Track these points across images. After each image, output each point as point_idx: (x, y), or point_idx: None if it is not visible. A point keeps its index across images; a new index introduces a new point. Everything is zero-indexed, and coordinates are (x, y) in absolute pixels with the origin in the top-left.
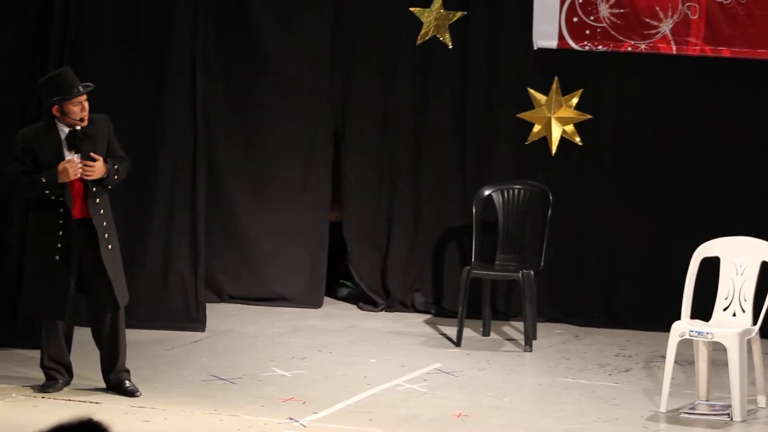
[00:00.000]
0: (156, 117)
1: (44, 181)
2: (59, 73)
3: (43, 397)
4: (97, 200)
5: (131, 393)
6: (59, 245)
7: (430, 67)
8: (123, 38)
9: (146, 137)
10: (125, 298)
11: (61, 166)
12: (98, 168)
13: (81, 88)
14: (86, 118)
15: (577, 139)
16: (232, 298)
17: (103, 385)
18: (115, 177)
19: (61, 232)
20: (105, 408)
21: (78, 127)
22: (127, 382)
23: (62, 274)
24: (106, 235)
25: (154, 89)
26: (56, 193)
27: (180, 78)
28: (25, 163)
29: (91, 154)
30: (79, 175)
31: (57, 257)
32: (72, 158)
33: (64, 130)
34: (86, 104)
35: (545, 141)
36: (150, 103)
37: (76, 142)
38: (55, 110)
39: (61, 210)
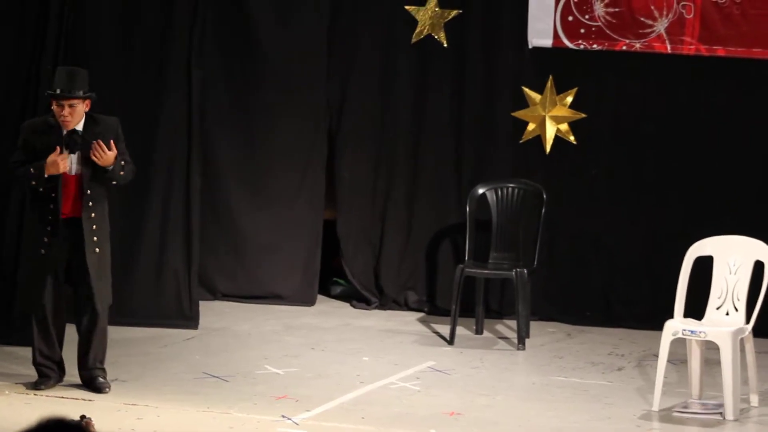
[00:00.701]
0: (152, 113)
1: (32, 172)
2: (62, 70)
3: (35, 395)
4: (90, 203)
5: (99, 389)
6: (46, 240)
7: (425, 66)
8: (121, 35)
9: (142, 133)
10: (106, 301)
11: (50, 158)
12: (109, 155)
13: (61, 91)
14: (68, 122)
15: (572, 138)
16: (226, 296)
17: None
18: (121, 173)
19: (49, 228)
20: (97, 405)
21: (79, 128)
22: (99, 378)
23: (45, 270)
24: (95, 238)
25: (150, 86)
26: (43, 186)
27: (176, 75)
28: (24, 154)
29: (111, 141)
30: (67, 169)
31: (43, 251)
32: (65, 154)
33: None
34: (70, 109)
35: (540, 140)
36: (146, 99)
37: (71, 142)
38: (50, 104)
39: (52, 206)
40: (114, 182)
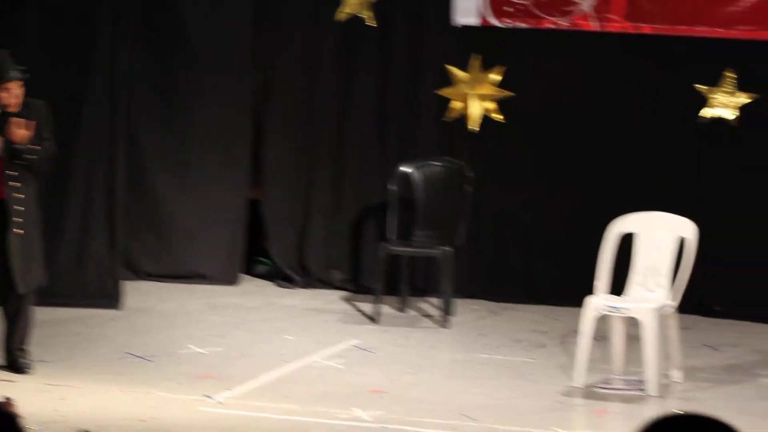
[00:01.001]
0: (76, 96)
1: None
2: None
3: None
4: (12, 183)
5: (20, 369)
6: None
7: (351, 46)
8: (47, 17)
9: (65, 115)
10: (31, 283)
11: None
12: (21, 133)
13: (9, 75)
14: (14, 104)
15: (499, 117)
16: (150, 276)
17: None
18: (31, 156)
19: None
20: (20, 386)
21: (10, 110)
22: (21, 359)
23: None
24: (18, 219)
25: (74, 69)
26: None
27: (101, 58)
28: None
29: (31, 122)
30: None
31: None
32: None
33: None
34: (16, 91)
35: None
36: (70, 82)
37: (2, 123)
38: None
39: None
40: (23, 162)
